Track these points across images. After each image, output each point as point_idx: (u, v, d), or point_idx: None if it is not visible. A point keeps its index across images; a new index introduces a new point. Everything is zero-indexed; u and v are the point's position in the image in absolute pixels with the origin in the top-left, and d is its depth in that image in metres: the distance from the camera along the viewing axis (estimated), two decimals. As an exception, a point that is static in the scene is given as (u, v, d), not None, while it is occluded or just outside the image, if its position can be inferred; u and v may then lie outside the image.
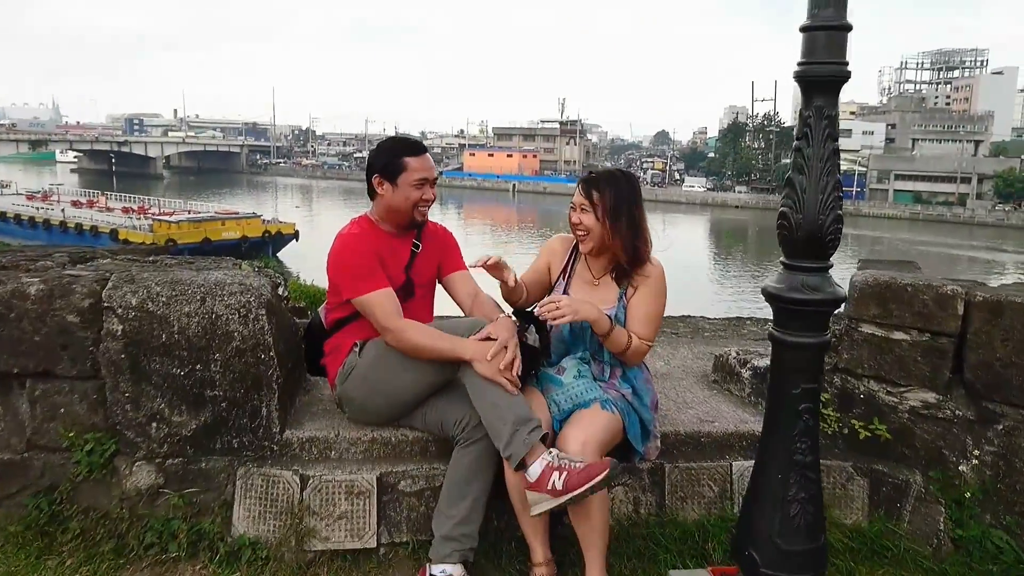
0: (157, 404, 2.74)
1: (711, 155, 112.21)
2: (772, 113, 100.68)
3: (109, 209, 40.19)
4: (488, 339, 2.61)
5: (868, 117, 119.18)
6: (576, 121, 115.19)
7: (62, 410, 2.78)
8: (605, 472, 2.40)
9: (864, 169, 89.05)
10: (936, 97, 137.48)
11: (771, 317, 4.99)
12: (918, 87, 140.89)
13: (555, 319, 2.68)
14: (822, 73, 2.07)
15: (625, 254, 2.85)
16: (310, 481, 2.75)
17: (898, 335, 2.97)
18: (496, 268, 2.79)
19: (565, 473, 2.39)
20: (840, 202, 2.11)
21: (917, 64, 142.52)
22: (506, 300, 3.06)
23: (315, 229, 42.19)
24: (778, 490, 2.22)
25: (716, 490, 2.99)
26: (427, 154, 2.85)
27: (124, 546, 2.76)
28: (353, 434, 2.88)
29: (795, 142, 2.13)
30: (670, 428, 3.04)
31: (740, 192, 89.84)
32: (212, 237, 34.08)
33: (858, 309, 3.05)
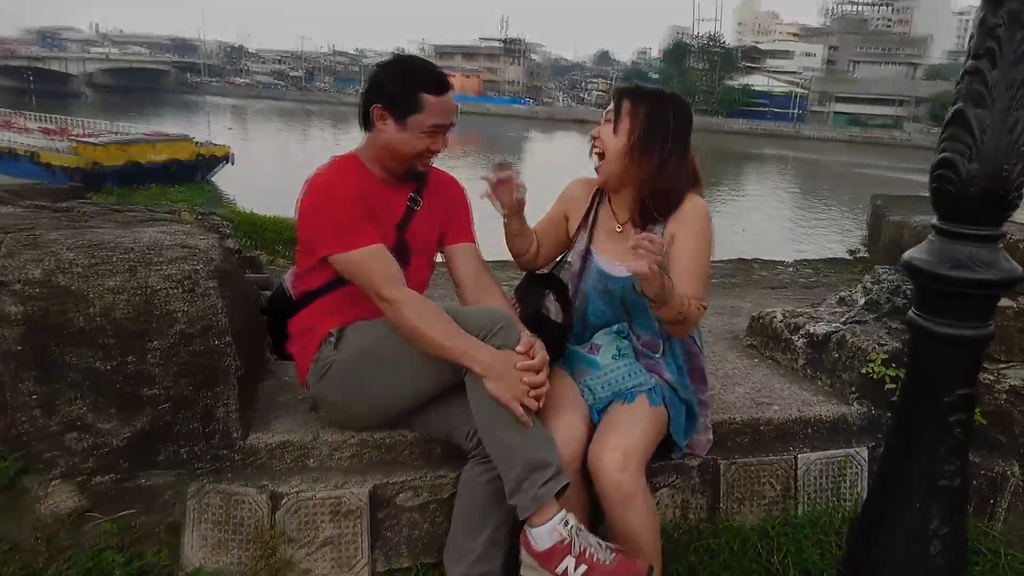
0: (77, 408, 2.07)
1: (654, 76, 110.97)
2: (716, 33, 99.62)
3: (27, 130, 37.53)
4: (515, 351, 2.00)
5: (809, 39, 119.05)
6: (519, 40, 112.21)
7: (-54, 418, 2.10)
8: None
9: (805, 92, 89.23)
10: (877, 19, 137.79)
11: (777, 259, 4.28)
12: (859, 9, 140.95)
13: (644, 263, 1.87)
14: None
15: (647, 192, 2.23)
16: (284, 500, 2.14)
17: (1001, 302, 2.46)
18: (508, 185, 2.25)
19: (584, 567, 1.84)
20: (1028, 145, 1.54)
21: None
22: (510, 248, 2.45)
23: (251, 151, 40.34)
24: (915, 524, 1.70)
25: (778, 488, 2.48)
26: (450, 93, 2.16)
27: (42, 585, 2.14)
28: (336, 436, 2.26)
29: (970, 62, 1.53)
30: (723, 415, 2.50)
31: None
32: (140, 160, 32.11)
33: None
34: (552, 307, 2.41)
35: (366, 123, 2.16)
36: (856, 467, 2.54)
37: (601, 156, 2.27)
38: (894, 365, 2.57)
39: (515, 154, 49.92)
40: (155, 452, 2.15)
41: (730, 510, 2.44)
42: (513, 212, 2.31)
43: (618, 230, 2.34)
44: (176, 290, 2.06)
